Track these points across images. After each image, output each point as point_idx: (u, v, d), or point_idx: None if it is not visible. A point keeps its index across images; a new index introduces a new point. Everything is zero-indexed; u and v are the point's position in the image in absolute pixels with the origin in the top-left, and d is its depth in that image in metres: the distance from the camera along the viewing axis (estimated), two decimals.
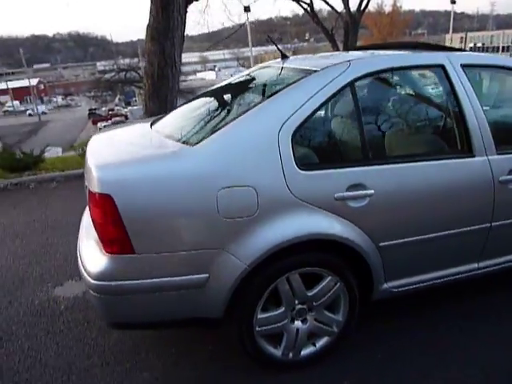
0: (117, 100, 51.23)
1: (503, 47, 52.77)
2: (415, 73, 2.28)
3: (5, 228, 4.03)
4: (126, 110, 44.17)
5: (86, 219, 2.11)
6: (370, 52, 2.30)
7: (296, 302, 1.88)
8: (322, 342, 2.01)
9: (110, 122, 34.10)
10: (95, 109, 47.13)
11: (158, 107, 5.33)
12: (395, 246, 1.96)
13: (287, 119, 1.77)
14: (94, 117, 42.51)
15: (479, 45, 55.19)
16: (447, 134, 2.11)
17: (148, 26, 5.86)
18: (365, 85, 2.01)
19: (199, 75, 65.91)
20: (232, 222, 1.69)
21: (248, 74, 2.53)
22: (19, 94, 59.53)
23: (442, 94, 2.10)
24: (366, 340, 2.16)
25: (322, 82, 1.85)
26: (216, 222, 1.68)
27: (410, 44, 2.43)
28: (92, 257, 1.78)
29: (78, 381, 2.01)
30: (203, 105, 2.38)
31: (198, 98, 2.73)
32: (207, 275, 1.72)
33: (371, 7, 28.04)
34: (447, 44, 21.24)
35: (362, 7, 14.67)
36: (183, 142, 1.84)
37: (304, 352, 1.99)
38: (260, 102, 1.86)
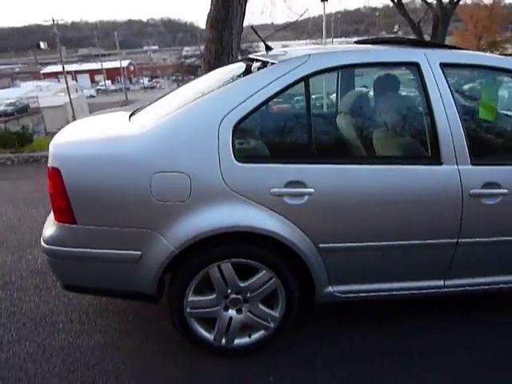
0: None
1: None
2: (385, 70, 2.12)
3: None
4: None
5: None
6: (354, 46, 2.19)
7: (229, 290, 1.91)
8: (257, 335, 2.02)
9: None
10: None
11: None
12: (338, 250, 1.89)
13: (230, 111, 1.78)
14: None
15: None
16: (411, 138, 1.95)
17: (208, 14, 6.07)
18: (321, 80, 1.94)
19: None
20: (164, 205, 1.77)
21: (229, 66, 2.55)
22: (111, 74, 64.69)
23: (413, 94, 1.94)
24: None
25: (274, 75, 1.83)
26: (149, 203, 1.76)
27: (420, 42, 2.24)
28: (48, 224, 1.98)
29: (43, 331, 2.26)
30: (177, 93, 2.44)
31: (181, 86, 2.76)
32: (140, 253, 1.83)
33: None
34: None
35: None
36: (138, 127, 1.94)
37: (238, 341, 2.01)
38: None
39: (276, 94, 1.83)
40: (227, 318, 1.96)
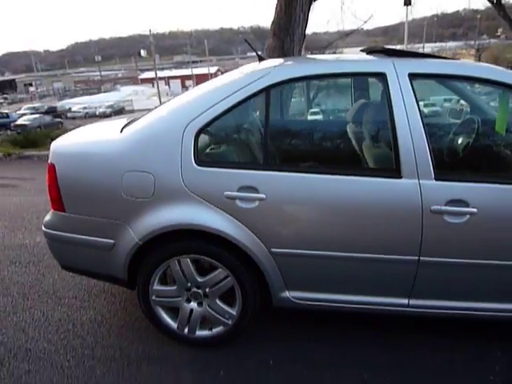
0: None
1: None
2: (351, 80, 2.07)
3: None
4: None
5: None
6: (334, 56, 2.19)
7: (189, 284, 2.06)
8: (218, 329, 2.14)
9: None
10: None
11: None
12: (291, 255, 1.93)
13: (194, 118, 1.93)
14: None
15: None
16: (371, 149, 1.90)
17: (272, 22, 6.30)
18: (281, 91, 1.98)
19: None
20: (132, 200, 1.98)
21: (227, 74, 2.67)
22: (200, 79, 68.49)
23: (377, 105, 1.90)
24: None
25: (238, 85, 1.94)
26: (120, 198, 1.99)
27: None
28: (49, 211, 2.32)
29: (52, 303, 2.63)
30: (170, 102, 2.61)
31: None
32: (113, 241, 2.06)
33: None
34: None
35: None
36: (121, 132, 2.18)
37: (200, 333, 2.15)
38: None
39: (238, 104, 1.93)
40: (188, 310, 2.11)
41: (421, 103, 1.83)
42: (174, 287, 2.08)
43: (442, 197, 1.78)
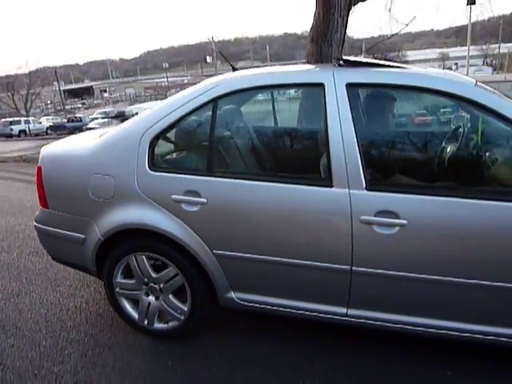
0: None
1: None
2: (295, 91, 2.10)
3: None
4: None
5: None
6: (281, 68, 2.21)
7: (145, 279, 2.24)
8: (173, 323, 2.29)
9: None
10: None
11: None
12: (230, 258, 2.03)
13: (151, 126, 2.12)
14: None
15: None
16: (303, 159, 1.92)
17: (311, 28, 6.39)
18: (226, 102, 2.08)
19: None
20: (97, 200, 2.20)
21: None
22: None
23: (314, 115, 1.92)
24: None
25: (190, 96, 2.08)
26: (88, 198, 2.22)
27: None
28: None
29: (50, 288, 2.96)
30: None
31: None
32: (84, 236, 2.30)
33: None
34: None
35: None
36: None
37: (158, 325, 2.31)
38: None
39: (188, 114, 2.08)
40: (147, 303, 2.29)
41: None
42: (133, 281, 2.27)
43: (372, 207, 1.78)
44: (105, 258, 2.29)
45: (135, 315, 2.35)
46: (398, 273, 1.80)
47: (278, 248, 1.95)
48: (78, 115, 33.54)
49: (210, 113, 2.05)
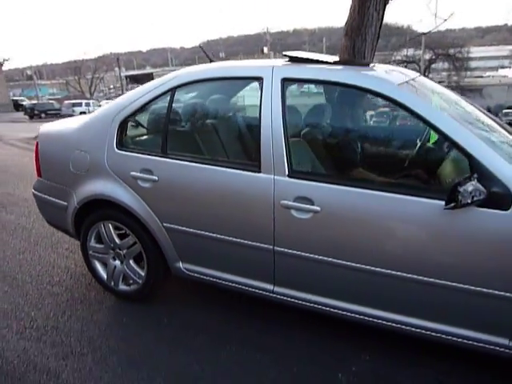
0: None
1: None
2: (240, 82, 2.25)
3: None
4: None
5: None
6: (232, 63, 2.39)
7: (112, 245, 2.54)
8: (133, 286, 2.58)
9: (369, 112, 35.31)
10: None
11: None
12: (178, 231, 2.27)
13: (121, 110, 2.40)
14: None
15: None
16: (240, 146, 2.09)
17: (345, 22, 6.43)
18: (184, 90, 2.29)
19: (502, 72, 55.96)
20: (75, 173, 2.53)
21: None
22: None
23: (253, 106, 2.08)
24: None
25: (152, 86, 2.34)
26: (69, 170, 2.56)
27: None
28: None
29: (43, 244, 3.39)
30: None
31: None
32: (66, 203, 2.65)
33: None
34: None
35: None
36: None
37: (122, 287, 2.62)
38: None
39: (151, 101, 2.34)
40: (113, 266, 2.60)
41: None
42: (102, 246, 2.59)
43: (292, 193, 1.93)
44: (81, 224, 2.63)
45: (105, 276, 2.68)
46: (313, 255, 1.95)
47: (215, 225, 2.16)
48: None
49: (167, 101, 2.29)
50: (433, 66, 37.40)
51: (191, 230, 2.23)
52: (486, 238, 1.64)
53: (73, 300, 2.68)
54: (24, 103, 35.31)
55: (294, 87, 2.06)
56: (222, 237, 2.15)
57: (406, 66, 37.19)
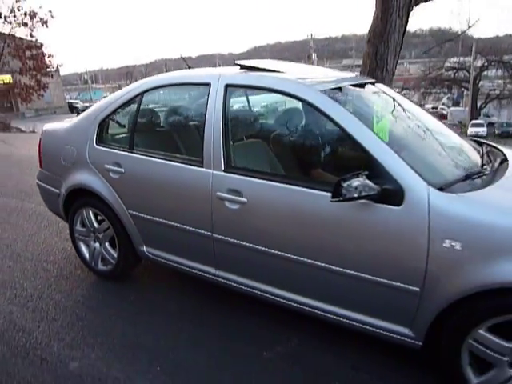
0: (445, 99, 49.52)
1: None
2: (193, 88, 2.51)
3: None
4: (448, 110, 42.93)
5: None
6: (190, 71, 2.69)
7: (92, 228, 2.90)
8: (109, 267, 2.92)
9: None
10: (421, 105, 47.55)
11: None
12: (140, 218, 2.58)
13: (101, 111, 2.77)
14: None
15: None
16: (189, 143, 2.35)
17: (369, 29, 6.56)
18: (150, 95, 2.59)
19: None
20: (65, 165, 2.93)
21: None
22: None
23: (201, 109, 2.33)
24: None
25: (126, 90, 2.68)
26: (60, 163, 2.96)
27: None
28: None
29: (48, 224, 3.84)
30: None
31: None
32: (58, 191, 3.05)
33: None
34: None
35: None
36: None
37: (100, 267, 2.97)
38: None
39: (125, 103, 2.68)
40: (93, 248, 2.96)
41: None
42: (85, 229, 2.96)
43: (225, 186, 2.17)
44: (69, 210, 3.02)
45: (87, 257, 3.05)
46: (243, 243, 2.17)
47: (168, 212, 2.45)
48: None
49: (136, 104, 2.62)
50: (484, 73, 35.64)
51: (150, 217, 2.53)
52: (382, 230, 1.79)
53: (61, 276, 3.08)
54: (77, 105, 37.79)
55: (238, 92, 2.30)
56: (174, 224, 2.43)
57: (455, 74, 35.74)
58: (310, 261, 1.97)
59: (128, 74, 48.69)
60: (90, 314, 2.60)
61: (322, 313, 2.04)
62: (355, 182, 1.67)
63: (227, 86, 2.26)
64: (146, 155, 2.51)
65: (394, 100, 2.54)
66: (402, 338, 1.87)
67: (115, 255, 2.85)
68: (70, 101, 43.08)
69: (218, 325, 2.46)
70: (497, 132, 29.19)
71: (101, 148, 2.73)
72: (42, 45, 18.69)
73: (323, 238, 1.94)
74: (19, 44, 17.61)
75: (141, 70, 50.32)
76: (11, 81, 22.73)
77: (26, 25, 17.03)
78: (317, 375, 2.06)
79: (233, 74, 2.32)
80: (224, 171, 2.19)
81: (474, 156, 2.24)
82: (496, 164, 2.14)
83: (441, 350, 1.80)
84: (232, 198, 2.14)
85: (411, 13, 6.13)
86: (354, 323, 1.97)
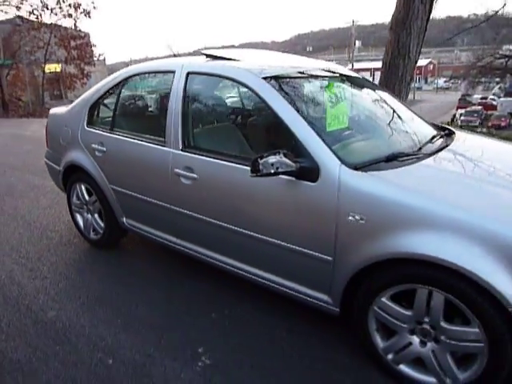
0: (496, 89, 46.63)
1: None
2: (162, 75, 2.74)
3: None
4: (498, 100, 40.40)
5: None
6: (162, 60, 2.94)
7: (84, 201, 3.26)
8: (98, 235, 3.28)
9: (460, 110, 32.83)
10: (468, 95, 45.24)
11: None
12: (119, 192, 2.90)
13: (91, 97, 3.10)
14: (464, 103, 41.33)
15: None
16: (157, 125, 2.60)
17: (392, 15, 6.52)
18: (129, 82, 2.88)
19: None
20: (63, 144, 3.31)
21: None
22: None
23: (167, 94, 2.57)
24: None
25: (111, 78, 2.99)
26: (60, 143, 3.34)
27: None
28: None
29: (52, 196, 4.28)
30: None
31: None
32: (59, 168, 3.44)
33: None
34: None
35: None
36: None
37: (92, 236, 3.34)
38: None
39: (109, 89, 2.99)
40: (86, 218, 3.33)
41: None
42: (79, 201, 3.33)
43: (182, 163, 2.42)
44: (66, 184, 3.41)
45: (82, 226, 3.43)
46: (194, 214, 2.42)
47: (140, 187, 2.75)
48: None
49: (118, 89, 2.93)
50: None
51: (126, 191, 2.84)
52: (301, 204, 1.97)
53: (60, 243, 3.49)
54: None
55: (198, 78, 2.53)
56: (144, 197, 2.72)
57: (507, 62, 33.51)
58: (242, 230, 2.20)
59: None
60: (75, 275, 2.98)
61: (258, 278, 2.26)
62: (271, 160, 1.86)
63: (188, 74, 2.49)
64: (123, 136, 2.82)
65: (351, 86, 2.67)
66: (324, 304, 2.05)
67: (102, 225, 3.20)
68: None
69: (180, 288, 2.74)
70: None
71: (90, 129, 3.06)
72: (85, 35, 19.74)
73: (253, 210, 2.16)
74: (64, 34, 18.72)
75: None
76: (60, 69, 24.07)
77: (70, 16, 18.09)
78: (256, 336, 2.28)
79: (194, 62, 2.56)
80: (181, 150, 2.44)
81: (415, 139, 2.33)
82: (434, 148, 2.24)
83: (353, 316, 1.97)
84: (186, 174, 2.39)
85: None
86: (285, 289, 2.17)
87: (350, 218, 1.81)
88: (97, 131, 3.01)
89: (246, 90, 2.22)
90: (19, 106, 18.35)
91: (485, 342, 1.60)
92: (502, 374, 1.64)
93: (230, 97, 2.53)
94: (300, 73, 2.45)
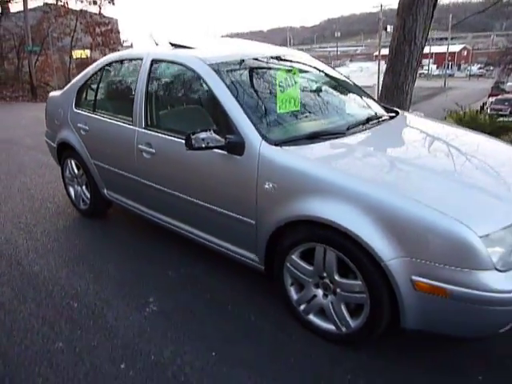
0: None
1: None
2: (133, 62, 3.06)
3: None
4: None
5: None
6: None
7: (73, 174, 3.68)
8: (86, 206, 3.69)
9: (492, 98, 31.60)
10: (502, 82, 43.40)
11: (391, 81, 5.28)
12: (99, 166, 3.29)
13: (79, 81, 3.48)
14: (497, 90, 39.76)
15: None
16: (127, 106, 2.92)
17: (399, 1, 6.58)
18: (108, 68, 3.23)
19: None
20: (57, 123, 3.72)
21: None
22: (440, 58, 62.61)
23: (137, 79, 2.90)
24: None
25: (95, 64, 3.36)
26: (55, 122, 3.76)
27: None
28: None
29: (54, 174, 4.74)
30: None
31: None
32: (54, 145, 3.86)
33: None
34: None
35: None
36: None
37: (82, 207, 3.76)
38: None
39: (93, 75, 3.37)
40: (76, 190, 3.76)
41: None
42: (71, 175, 3.76)
43: (144, 139, 2.77)
44: (60, 159, 3.84)
45: (74, 197, 3.86)
46: (153, 184, 2.77)
47: (113, 162, 3.12)
48: None
49: (99, 75, 3.29)
50: None
51: (104, 165, 3.23)
52: (230, 174, 2.28)
53: (56, 212, 3.94)
54: None
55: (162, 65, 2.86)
56: (118, 170, 3.10)
57: None
58: (189, 198, 2.53)
59: None
60: (63, 239, 3.41)
61: (205, 241, 2.61)
62: (202, 135, 2.16)
63: (152, 61, 2.82)
64: (102, 116, 3.19)
65: (303, 72, 2.92)
66: (252, 262, 2.36)
67: (89, 196, 3.61)
68: None
69: (150, 251, 3.12)
70: None
71: (77, 111, 3.46)
72: (109, 21, 20.33)
73: (196, 180, 2.50)
74: (89, 21, 19.36)
75: None
76: (88, 56, 24.80)
77: (95, 3, 18.65)
78: (201, 292, 2.63)
79: (158, 51, 2.88)
80: (144, 128, 2.78)
81: (350, 120, 2.57)
82: (360, 129, 2.47)
83: (274, 273, 2.27)
84: (146, 149, 2.74)
85: None
86: (223, 249, 2.51)
87: (266, 186, 2.10)
88: (82, 112, 3.39)
89: (194, 74, 2.53)
90: (47, 92, 19.23)
91: (366, 293, 1.88)
92: (382, 323, 1.91)
93: (184, 81, 2.82)
94: (247, 60, 2.72)
